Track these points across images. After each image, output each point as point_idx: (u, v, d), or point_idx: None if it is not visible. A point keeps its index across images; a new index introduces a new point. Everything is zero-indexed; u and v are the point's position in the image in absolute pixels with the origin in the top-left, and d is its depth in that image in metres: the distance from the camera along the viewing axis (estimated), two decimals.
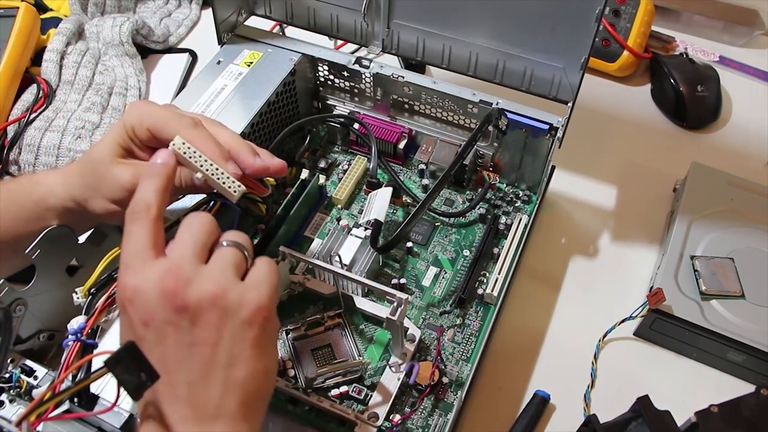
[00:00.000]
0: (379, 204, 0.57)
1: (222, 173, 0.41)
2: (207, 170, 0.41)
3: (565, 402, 0.54)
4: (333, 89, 0.67)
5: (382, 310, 0.52)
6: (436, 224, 0.61)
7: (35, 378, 0.45)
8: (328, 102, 0.68)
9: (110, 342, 0.45)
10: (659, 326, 0.56)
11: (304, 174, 0.59)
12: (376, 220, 0.56)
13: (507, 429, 0.52)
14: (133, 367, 0.32)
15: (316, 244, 0.59)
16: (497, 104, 0.59)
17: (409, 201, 0.63)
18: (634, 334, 0.58)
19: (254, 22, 0.67)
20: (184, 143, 0.41)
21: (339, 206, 0.62)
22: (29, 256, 0.45)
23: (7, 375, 0.45)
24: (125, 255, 0.37)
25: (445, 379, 0.51)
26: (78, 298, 0.44)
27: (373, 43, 0.64)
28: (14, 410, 0.44)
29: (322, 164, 0.65)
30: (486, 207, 0.62)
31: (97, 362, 0.32)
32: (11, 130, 0.69)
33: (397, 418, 0.48)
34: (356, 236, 0.57)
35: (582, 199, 0.68)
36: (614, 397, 0.51)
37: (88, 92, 0.74)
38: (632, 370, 0.56)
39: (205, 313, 0.35)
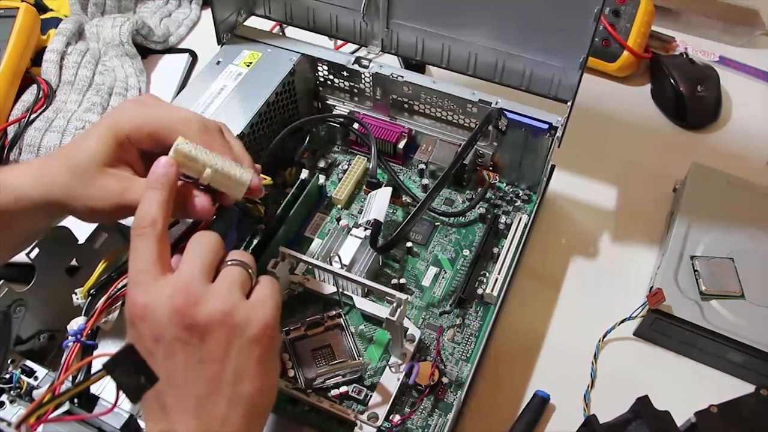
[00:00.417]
0: (378, 204, 0.57)
1: (231, 164, 0.42)
2: (215, 164, 0.41)
3: (565, 402, 0.54)
4: (332, 89, 0.67)
5: (381, 311, 0.52)
6: (436, 224, 0.61)
7: (36, 379, 0.45)
8: (327, 102, 0.68)
9: (110, 343, 0.45)
10: (659, 326, 0.56)
11: (304, 174, 0.59)
12: (375, 220, 0.56)
13: (507, 429, 0.52)
14: (131, 370, 0.32)
15: (316, 244, 0.59)
16: (497, 104, 0.59)
17: (408, 201, 0.63)
18: (634, 335, 0.58)
19: (254, 22, 0.67)
20: (187, 143, 0.41)
21: (339, 206, 0.63)
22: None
23: (7, 376, 0.45)
24: (133, 272, 0.38)
25: (444, 380, 0.51)
26: (78, 298, 0.44)
27: (372, 43, 0.64)
28: (14, 411, 0.44)
29: (322, 164, 0.65)
30: (486, 207, 0.62)
31: (98, 363, 0.32)
32: (11, 131, 0.69)
33: (396, 418, 0.48)
34: (356, 236, 0.57)
35: (582, 199, 0.68)
36: (614, 398, 0.51)
37: (88, 92, 0.74)
38: (632, 371, 0.56)
39: (214, 331, 0.36)
